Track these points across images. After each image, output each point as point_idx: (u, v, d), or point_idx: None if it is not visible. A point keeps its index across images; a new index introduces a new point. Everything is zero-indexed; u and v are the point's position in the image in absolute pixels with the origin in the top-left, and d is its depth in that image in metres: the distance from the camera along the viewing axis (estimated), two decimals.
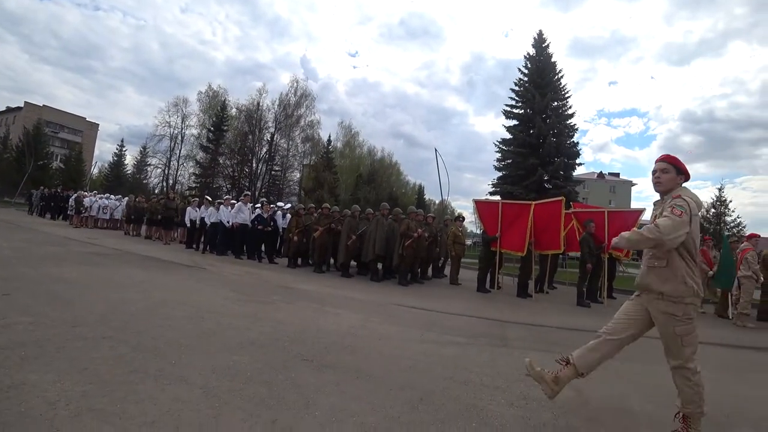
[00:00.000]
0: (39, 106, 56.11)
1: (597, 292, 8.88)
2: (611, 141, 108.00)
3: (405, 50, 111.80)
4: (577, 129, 25.83)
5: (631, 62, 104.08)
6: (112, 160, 48.86)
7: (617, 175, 63.76)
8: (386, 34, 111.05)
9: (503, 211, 9.02)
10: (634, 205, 53.91)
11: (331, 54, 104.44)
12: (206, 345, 3.37)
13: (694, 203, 2.44)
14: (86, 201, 16.67)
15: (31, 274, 5.49)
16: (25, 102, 56.19)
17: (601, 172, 63.09)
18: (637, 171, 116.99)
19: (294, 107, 40.42)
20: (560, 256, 11.27)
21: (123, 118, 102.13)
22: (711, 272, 8.51)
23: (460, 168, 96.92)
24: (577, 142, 25.55)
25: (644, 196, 78.43)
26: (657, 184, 2.59)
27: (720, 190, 32.48)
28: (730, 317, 7.61)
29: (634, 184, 61.35)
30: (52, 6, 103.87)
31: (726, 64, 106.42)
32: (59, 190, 22.14)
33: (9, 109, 57.72)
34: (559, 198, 9.17)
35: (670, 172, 2.54)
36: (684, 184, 2.57)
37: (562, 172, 24.35)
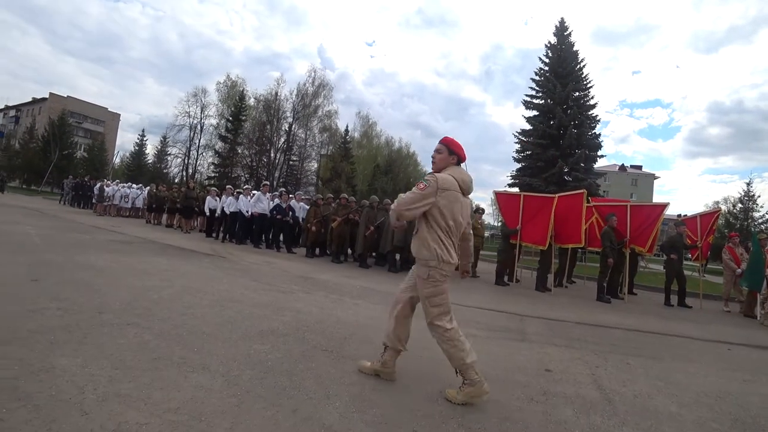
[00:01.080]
0: (63, 96, 57.48)
1: (618, 288, 8.72)
2: (634, 132, 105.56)
3: (422, 39, 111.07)
4: (599, 120, 25.18)
5: (656, 50, 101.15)
6: (133, 150, 49.87)
7: (639, 167, 62.28)
8: (403, 23, 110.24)
9: (525, 204, 8.91)
10: (657, 198, 52.52)
11: (348, 43, 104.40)
12: (227, 333, 3.42)
13: (452, 180, 2.63)
14: (108, 190, 17.09)
15: (59, 261, 5.64)
16: (50, 93, 57.63)
17: (622, 164, 61.68)
18: (661, 163, 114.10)
19: (312, 97, 40.50)
20: (580, 250, 11.08)
21: (143, 108, 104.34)
22: (739, 270, 8.26)
23: (477, 159, 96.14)
24: (599, 134, 24.93)
25: (667, 190, 76.54)
26: (432, 164, 2.79)
27: (748, 184, 31.12)
28: (758, 317, 7.38)
29: (657, 177, 59.87)
30: None
31: (757, 52, 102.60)
32: (86, 179, 22.74)
33: (34, 100, 59.31)
34: (581, 191, 9.00)
35: (443, 152, 2.73)
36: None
37: (582, 164, 23.81)
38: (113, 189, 17.37)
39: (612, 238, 8.13)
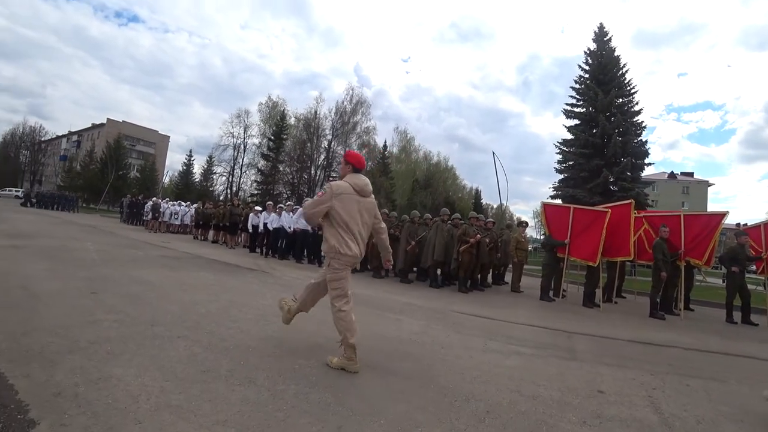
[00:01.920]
0: (119, 121, 61.68)
1: (672, 303, 8.17)
2: (683, 138, 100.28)
3: (457, 53, 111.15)
4: (644, 126, 24.14)
5: (702, 50, 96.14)
6: (181, 169, 52.44)
7: (691, 174, 58.86)
8: (438, 38, 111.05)
9: (575, 217, 8.53)
10: (712, 207, 49.41)
11: (383, 60, 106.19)
12: (272, 348, 3.46)
13: (346, 185, 3.15)
14: (162, 207, 18.11)
15: (115, 275, 5.96)
16: (108, 118, 62.00)
17: (672, 171, 58.57)
18: (715, 169, 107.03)
19: (350, 114, 41.35)
20: (629, 263, 10.52)
21: (191, 129, 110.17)
22: None
23: (518, 171, 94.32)
24: (645, 141, 23.88)
25: (723, 197, 71.72)
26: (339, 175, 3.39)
27: None
28: None
29: (711, 185, 56.37)
30: (128, 31, 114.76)
31: None
32: (140, 198, 24.14)
33: (94, 126, 63.99)
34: (628, 201, 8.58)
35: (342, 164, 3.38)
36: None
37: (629, 173, 22.81)
38: (164, 206, 18.35)
39: (664, 250, 7.67)
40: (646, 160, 23.76)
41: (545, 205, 9.67)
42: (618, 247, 8.14)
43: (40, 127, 66.26)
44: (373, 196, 3.36)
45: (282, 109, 42.05)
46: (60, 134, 68.79)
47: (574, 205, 9.51)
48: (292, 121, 41.61)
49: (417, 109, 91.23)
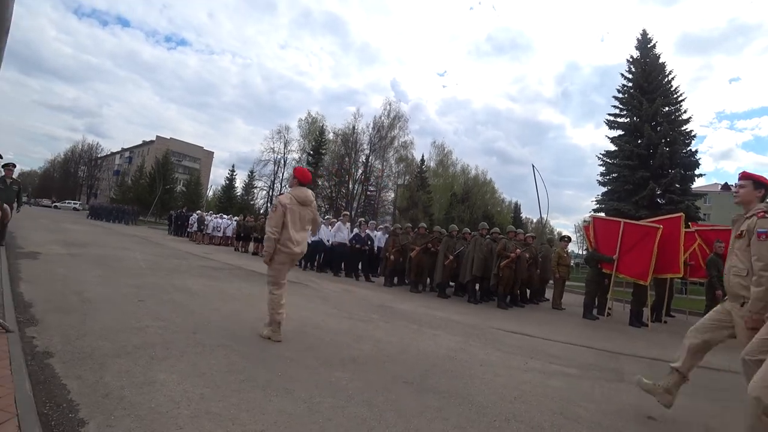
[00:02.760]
0: (167, 138, 65.18)
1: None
2: (737, 146, 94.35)
3: (494, 66, 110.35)
4: (694, 135, 22.82)
5: (756, 53, 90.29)
6: (224, 184, 54.45)
7: None
8: (473, 51, 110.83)
9: (625, 231, 8.13)
10: None
11: (420, 75, 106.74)
12: (310, 359, 3.47)
13: (290, 196, 3.96)
14: (207, 219, 18.91)
15: (160, 284, 6.21)
16: (157, 136, 65.70)
17: (725, 183, 54.94)
18: None
19: (387, 129, 41.76)
20: (679, 280, 9.91)
21: (233, 145, 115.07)
22: None
23: (558, 184, 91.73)
24: (695, 150, 22.53)
25: None
26: None
27: None
28: None
29: None
30: (177, 54, 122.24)
31: None
32: (184, 211, 25.29)
33: (144, 143, 67.97)
34: (678, 214, 8.10)
35: (291, 178, 4.33)
36: None
37: (677, 185, 21.60)
38: (208, 219, 19.13)
39: (720, 267, 7.14)
40: (697, 171, 22.42)
41: (594, 219, 9.31)
42: (667, 263, 7.68)
43: (97, 144, 71.48)
44: (314, 204, 4.11)
45: (321, 124, 43.06)
46: (114, 151, 73.57)
47: (624, 219, 9.08)
48: (331, 136, 42.51)
49: (454, 122, 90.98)
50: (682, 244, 7.63)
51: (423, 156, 43.54)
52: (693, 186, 23.19)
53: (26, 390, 2.20)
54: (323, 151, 40.97)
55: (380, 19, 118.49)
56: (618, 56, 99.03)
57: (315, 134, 42.11)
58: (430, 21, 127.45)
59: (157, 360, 2.98)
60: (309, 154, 41.39)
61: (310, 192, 4.12)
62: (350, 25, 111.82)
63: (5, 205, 7.99)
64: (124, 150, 72.59)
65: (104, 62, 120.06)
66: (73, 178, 70.22)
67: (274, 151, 45.49)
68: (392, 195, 43.64)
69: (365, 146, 41.88)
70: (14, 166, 8.63)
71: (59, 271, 6.22)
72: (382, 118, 41.84)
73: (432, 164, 46.56)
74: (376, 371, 3.36)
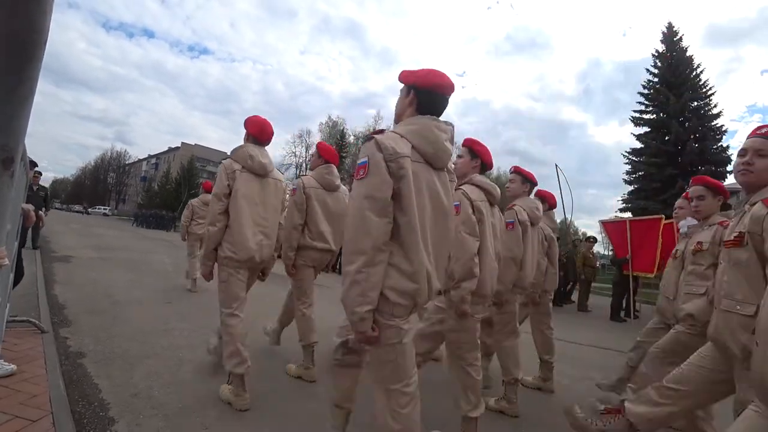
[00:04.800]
0: (192, 145, 66.81)
1: None
2: None
3: (514, 65, 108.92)
4: (725, 131, 21.98)
5: None
6: None
7: None
8: (492, 51, 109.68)
9: (632, 229, 8.00)
10: None
11: None
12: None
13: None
14: None
15: (188, 286, 6.35)
16: (182, 142, 67.44)
17: None
18: None
19: None
20: None
21: None
22: None
23: (582, 183, 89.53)
24: (726, 146, 21.68)
25: None
26: None
27: None
28: None
29: None
30: (199, 63, 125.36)
31: None
32: None
33: (170, 149, 69.76)
34: None
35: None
36: None
37: None
38: None
39: None
40: (728, 168, 21.64)
41: (603, 224, 9.16)
42: None
43: (125, 151, 73.87)
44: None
45: (341, 128, 43.40)
46: (141, 158, 75.75)
47: (630, 217, 9.04)
48: (351, 139, 42.80)
49: (474, 123, 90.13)
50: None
51: None
52: (724, 183, 22.32)
53: (60, 389, 2.29)
54: (344, 155, 41.23)
55: (398, 21, 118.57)
56: (641, 51, 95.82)
57: (336, 137, 42.44)
58: (448, 22, 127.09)
59: (183, 362, 3.06)
60: None
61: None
62: (368, 29, 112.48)
63: (39, 211, 8.34)
64: (150, 156, 74.73)
65: (131, 72, 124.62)
66: (103, 184, 72.75)
67: (295, 155, 46.05)
68: None
69: None
70: (40, 173, 9.04)
71: (91, 275, 6.44)
72: None
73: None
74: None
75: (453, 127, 1.60)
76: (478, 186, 2.35)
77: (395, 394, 1.46)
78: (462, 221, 2.17)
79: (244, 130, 2.85)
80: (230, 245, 2.55)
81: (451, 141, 1.57)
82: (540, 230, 3.27)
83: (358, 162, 1.44)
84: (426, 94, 1.55)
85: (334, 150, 3.42)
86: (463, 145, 2.51)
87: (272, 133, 2.85)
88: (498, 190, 2.46)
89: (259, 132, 2.78)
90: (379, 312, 1.40)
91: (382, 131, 1.48)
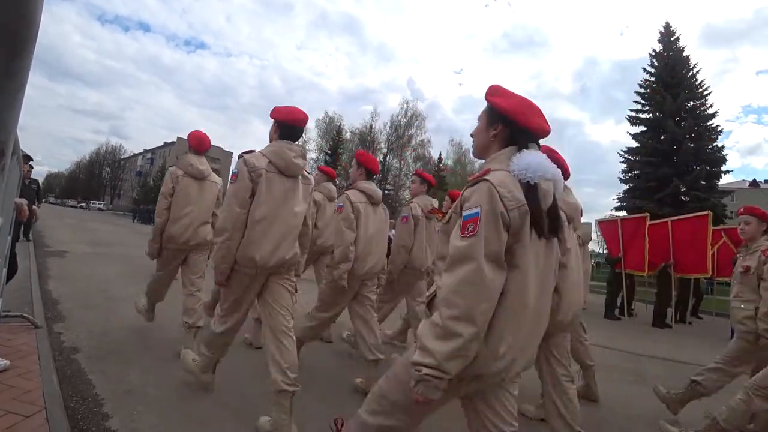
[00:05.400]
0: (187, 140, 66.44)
1: None
2: (765, 141, 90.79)
3: (510, 63, 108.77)
4: (720, 131, 22.07)
5: None
6: None
7: None
8: (490, 48, 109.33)
9: (623, 228, 8.21)
10: None
11: (436, 73, 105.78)
12: (335, 369, 3.49)
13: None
14: None
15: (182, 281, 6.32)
16: (178, 137, 66.84)
17: (754, 179, 53.16)
18: None
19: (405, 128, 41.68)
20: (706, 280, 9.66)
21: (252, 146, 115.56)
22: None
23: (578, 182, 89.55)
24: (722, 146, 21.80)
25: None
26: None
27: None
28: None
29: None
30: (196, 57, 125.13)
31: None
32: None
33: (166, 144, 69.37)
34: (705, 212, 7.89)
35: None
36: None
37: (703, 182, 20.95)
38: None
39: None
40: (723, 168, 21.72)
41: (599, 223, 9.31)
42: (693, 262, 7.49)
43: (120, 146, 73.21)
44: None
45: (338, 124, 43.13)
46: (136, 152, 75.29)
47: (621, 216, 9.32)
48: (348, 135, 42.63)
49: (470, 120, 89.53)
50: (710, 243, 7.44)
51: (440, 155, 43.29)
52: (720, 183, 22.50)
53: (54, 384, 2.28)
54: (341, 151, 41.11)
55: (395, 18, 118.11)
56: (638, 50, 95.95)
57: (332, 134, 42.26)
58: (446, 19, 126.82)
59: (178, 357, 3.04)
60: (327, 153, 41.57)
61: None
62: (366, 25, 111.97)
63: (33, 206, 8.28)
64: (146, 151, 74.28)
65: (126, 66, 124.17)
66: (98, 179, 72.26)
67: None
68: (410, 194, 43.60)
69: (383, 145, 41.87)
70: (31, 167, 8.95)
71: (85, 270, 6.40)
72: (400, 117, 41.72)
73: (449, 163, 46.24)
74: None
75: (303, 147, 2.38)
76: (361, 191, 2.98)
77: None
78: (343, 218, 2.84)
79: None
80: (171, 231, 3.17)
81: (303, 157, 2.30)
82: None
83: (231, 171, 2.21)
84: (284, 125, 2.31)
85: (376, 159, 3.63)
86: (355, 157, 3.21)
87: (209, 145, 3.61)
88: (378, 192, 3.14)
89: (197, 144, 3.49)
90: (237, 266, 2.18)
91: (251, 151, 2.23)
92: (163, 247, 3.22)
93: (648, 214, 8.24)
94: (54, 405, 2.06)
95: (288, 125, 2.31)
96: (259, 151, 2.23)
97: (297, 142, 2.36)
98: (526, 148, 1.30)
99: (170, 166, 3.53)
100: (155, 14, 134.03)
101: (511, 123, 1.32)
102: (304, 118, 2.35)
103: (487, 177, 1.20)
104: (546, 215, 1.24)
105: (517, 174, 1.22)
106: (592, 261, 12.26)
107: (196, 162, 3.37)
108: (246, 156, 2.18)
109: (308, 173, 2.44)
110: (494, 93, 1.37)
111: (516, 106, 1.32)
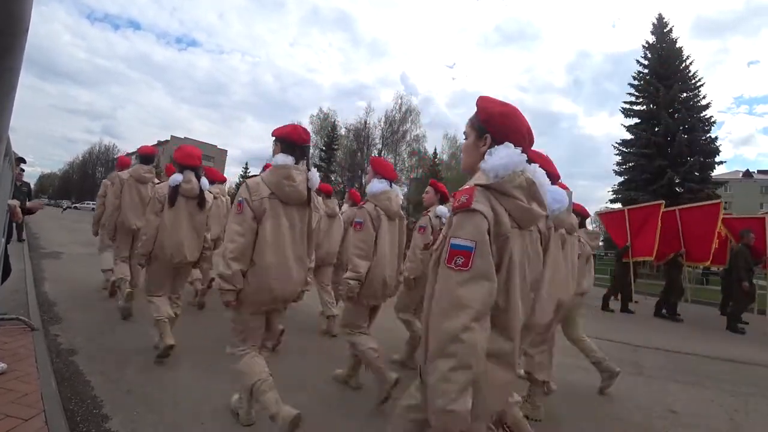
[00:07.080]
0: (181, 138, 66.04)
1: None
2: (757, 131, 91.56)
3: (503, 56, 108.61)
4: (714, 122, 22.17)
5: None
6: (238, 181, 55.02)
7: None
8: (482, 42, 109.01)
9: (630, 218, 8.22)
10: None
11: (429, 68, 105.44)
12: (325, 360, 3.48)
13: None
14: None
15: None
16: (171, 135, 66.69)
17: (747, 170, 53.58)
18: None
19: (399, 123, 41.54)
20: (701, 270, 9.77)
21: (245, 143, 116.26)
22: None
23: (572, 175, 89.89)
24: (715, 137, 21.91)
25: None
26: None
27: None
28: None
29: None
30: (187, 55, 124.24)
31: None
32: None
33: (159, 143, 68.96)
34: (717, 201, 8.00)
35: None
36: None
37: (697, 173, 21.07)
38: None
39: (748, 259, 6.84)
40: (717, 158, 21.85)
41: (600, 216, 9.34)
42: (697, 251, 7.64)
43: (113, 145, 72.78)
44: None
45: (333, 120, 42.90)
46: (130, 152, 74.67)
47: (627, 206, 9.32)
48: (343, 131, 42.45)
49: (464, 114, 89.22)
50: (717, 233, 7.57)
51: (435, 149, 43.23)
52: (713, 174, 22.63)
53: (52, 386, 2.27)
54: (336, 147, 40.99)
55: (388, 12, 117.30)
56: (631, 42, 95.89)
57: (327, 130, 42.08)
58: (438, 13, 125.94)
59: (178, 357, 3.03)
60: (321, 149, 41.44)
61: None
62: (358, 20, 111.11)
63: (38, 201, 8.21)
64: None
65: (117, 65, 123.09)
66: (91, 179, 71.69)
67: None
68: (405, 189, 43.53)
69: (377, 141, 41.77)
70: (23, 170, 8.84)
71: (80, 271, 6.37)
72: (394, 112, 41.58)
73: (444, 157, 46.22)
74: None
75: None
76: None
77: None
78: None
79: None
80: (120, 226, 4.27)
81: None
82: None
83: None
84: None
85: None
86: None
87: (155, 155, 4.75)
88: (398, 201, 3.05)
89: (144, 154, 4.62)
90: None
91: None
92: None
93: (663, 202, 8.31)
94: (53, 407, 2.05)
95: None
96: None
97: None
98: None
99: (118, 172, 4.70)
100: (145, 12, 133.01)
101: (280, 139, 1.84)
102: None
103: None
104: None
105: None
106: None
107: (143, 170, 4.50)
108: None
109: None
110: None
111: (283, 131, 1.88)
